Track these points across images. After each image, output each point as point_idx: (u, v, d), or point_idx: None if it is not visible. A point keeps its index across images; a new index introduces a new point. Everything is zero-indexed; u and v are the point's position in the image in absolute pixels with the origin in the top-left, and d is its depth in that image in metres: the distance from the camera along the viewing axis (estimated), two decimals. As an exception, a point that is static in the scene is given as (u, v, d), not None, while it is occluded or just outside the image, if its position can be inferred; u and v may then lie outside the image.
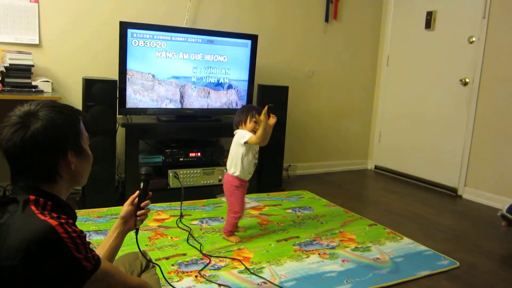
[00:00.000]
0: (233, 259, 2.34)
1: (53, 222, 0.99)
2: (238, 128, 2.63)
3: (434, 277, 2.34)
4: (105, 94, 2.99)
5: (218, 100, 3.52)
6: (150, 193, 1.60)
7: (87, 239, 1.08)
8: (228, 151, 3.75)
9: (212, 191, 3.40)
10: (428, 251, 2.63)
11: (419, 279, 2.29)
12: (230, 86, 3.54)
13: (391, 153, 4.72)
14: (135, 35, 3.11)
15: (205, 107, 3.47)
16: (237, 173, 2.58)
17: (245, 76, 3.58)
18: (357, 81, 4.73)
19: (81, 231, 1.05)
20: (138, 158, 3.18)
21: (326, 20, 4.35)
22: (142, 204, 1.56)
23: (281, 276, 2.17)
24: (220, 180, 3.44)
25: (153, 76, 3.22)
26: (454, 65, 4.05)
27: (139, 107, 3.22)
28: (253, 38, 3.56)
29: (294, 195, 3.62)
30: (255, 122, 2.55)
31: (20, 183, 1.09)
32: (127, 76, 3.13)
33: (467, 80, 3.92)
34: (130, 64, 3.13)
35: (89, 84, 2.94)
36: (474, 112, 3.86)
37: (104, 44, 3.34)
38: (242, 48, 3.54)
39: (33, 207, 1.03)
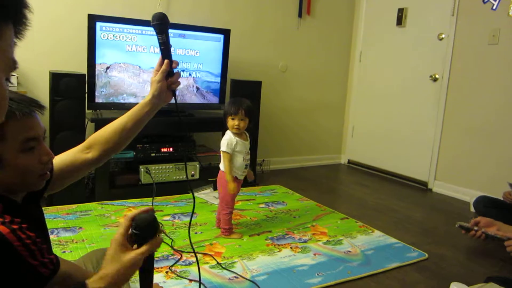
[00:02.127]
0: (205, 254, 2.32)
1: (4, 230, 0.90)
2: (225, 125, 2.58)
3: (403, 268, 2.38)
4: (73, 88, 2.91)
5: (190, 95, 3.49)
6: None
7: (55, 236, 1.03)
8: (200, 146, 3.76)
9: (184, 187, 3.37)
10: (398, 244, 2.67)
11: (389, 270, 2.32)
12: (202, 81, 3.51)
13: (364, 147, 4.78)
14: (104, 28, 3.04)
15: (178, 102, 3.43)
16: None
17: (217, 71, 3.56)
18: (330, 77, 4.76)
19: (36, 236, 0.96)
20: (108, 154, 3.12)
21: (300, 15, 4.36)
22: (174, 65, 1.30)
23: (253, 271, 2.17)
24: (193, 175, 3.41)
25: (124, 70, 3.17)
26: (424, 61, 4.12)
27: (109, 101, 3.16)
28: (226, 33, 3.54)
29: (267, 189, 3.63)
30: (232, 119, 2.51)
31: None
32: (96, 69, 3.06)
33: (437, 76, 4.00)
34: (99, 58, 3.06)
35: (56, 78, 2.86)
36: (443, 107, 3.94)
37: (73, 37, 3.26)
38: (215, 43, 3.51)
39: None
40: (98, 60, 3.05)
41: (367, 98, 4.73)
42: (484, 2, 3.61)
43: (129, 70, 3.19)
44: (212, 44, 3.50)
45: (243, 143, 2.55)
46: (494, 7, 3.55)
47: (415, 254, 2.54)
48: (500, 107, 3.54)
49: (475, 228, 2.12)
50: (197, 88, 3.51)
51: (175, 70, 1.31)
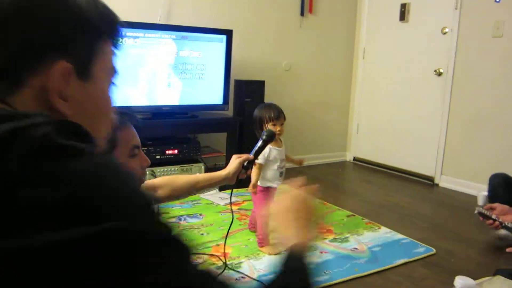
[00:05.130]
0: (211, 255, 2.33)
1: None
2: (258, 133, 2.41)
3: (410, 264, 2.37)
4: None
5: (194, 96, 3.50)
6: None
7: None
8: (205, 147, 3.77)
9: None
10: (405, 240, 2.66)
11: (396, 267, 2.31)
12: (205, 82, 3.52)
13: (369, 144, 4.77)
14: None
15: (181, 103, 3.45)
16: (261, 182, 2.43)
17: (221, 71, 3.56)
18: (334, 74, 4.75)
19: None
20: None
21: (302, 14, 4.35)
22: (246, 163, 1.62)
23: (260, 270, 2.18)
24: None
25: (127, 73, 3.18)
26: (428, 56, 4.10)
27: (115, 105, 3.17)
28: (228, 33, 3.54)
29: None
30: (274, 125, 2.37)
31: None
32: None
33: (441, 70, 3.98)
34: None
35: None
36: (448, 102, 3.92)
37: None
38: (217, 44, 3.52)
39: None
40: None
41: (372, 94, 4.71)
42: (487, -5, 3.59)
43: (132, 74, 3.20)
44: (215, 45, 3.51)
45: (278, 150, 2.41)
46: (497, 0, 3.52)
47: (422, 250, 2.53)
48: (505, 100, 3.51)
49: (493, 217, 2.06)
50: (200, 90, 3.51)
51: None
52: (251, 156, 1.66)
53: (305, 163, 4.57)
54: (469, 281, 0.86)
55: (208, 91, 3.55)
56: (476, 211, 2.22)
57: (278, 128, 2.36)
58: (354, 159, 4.94)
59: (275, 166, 2.39)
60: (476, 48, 3.70)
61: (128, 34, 3.13)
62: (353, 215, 3.06)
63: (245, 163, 1.62)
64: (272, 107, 2.44)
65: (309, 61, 4.51)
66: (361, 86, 4.83)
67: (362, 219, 3.00)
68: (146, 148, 3.26)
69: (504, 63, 3.52)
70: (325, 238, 2.62)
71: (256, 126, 2.45)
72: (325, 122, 4.77)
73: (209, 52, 3.49)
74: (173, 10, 3.66)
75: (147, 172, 3.22)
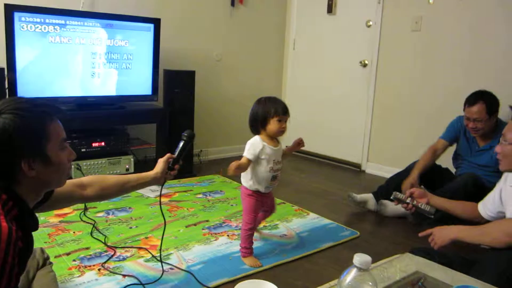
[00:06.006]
0: (140, 248, 2.29)
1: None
2: (255, 129, 2.17)
3: (336, 247, 2.47)
4: (-8, 83, 2.75)
5: (121, 87, 3.39)
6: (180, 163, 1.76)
7: None
8: (135, 139, 3.67)
9: (120, 181, 3.28)
10: (332, 224, 2.77)
11: (322, 250, 2.40)
12: (133, 72, 3.42)
13: (300, 133, 4.81)
14: (23, 18, 2.87)
15: (108, 94, 3.33)
16: (249, 184, 2.18)
17: (149, 61, 3.47)
18: (266, 65, 4.80)
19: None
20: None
21: (232, 4, 4.34)
22: (176, 166, 1.73)
23: (189, 261, 2.17)
24: (127, 169, 3.34)
25: (48, 62, 3.01)
26: (354, 47, 4.25)
27: (34, 96, 3.00)
28: (156, 22, 3.45)
29: (205, 180, 3.62)
30: (279, 121, 2.10)
31: None
32: (17, 63, 2.89)
33: (366, 62, 4.15)
34: (20, 51, 2.89)
35: (-28, 73, 2.68)
36: (373, 92, 4.11)
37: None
38: (145, 32, 3.42)
39: None
40: (18, 54, 2.88)
41: (302, 85, 4.82)
42: (407, -10, 3.78)
43: (53, 63, 3.04)
44: (142, 34, 3.41)
45: (273, 149, 2.15)
46: (415, -5, 3.72)
47: (347, 233, 2.65)
48: (420, 90, 3.74)
49: (408, 200, 2.17)
50: (127, 80, 3.41)
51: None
52: (174, 155, 1.73)
53: (238, 153, 4.61)
54: (365, 257, 0.91)
55: (136, 81, 3.45)
56: (392, 196, 2.34)
57: (284, 125, 2.12)
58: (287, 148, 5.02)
59: (267, 167, 2.13)
60: (397, 41, 3.90)
61: (48, 21, 2.96)
62: (284, 203, 3.13)
63: (169, 163, 1.71)
64: (278, 101, 2.16)
65: (240, 52, 4.52)
66: (291, 76, 4.92)
67: (292, 206, 3.08)
68: (70, 141, 3.12)
69: (421, 55, 3.74)
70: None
71: (256, 123, 2.16)
72: (257, 113, 4.80)
73: (136, 41, 3.38)
74: (97, -3, 3.51)
75: (72, 167, 3.08)
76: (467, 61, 3.46)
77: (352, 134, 4.32)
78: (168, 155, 1.73)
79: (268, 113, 2.12)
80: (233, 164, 2.02)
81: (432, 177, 2.93)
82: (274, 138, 2.19)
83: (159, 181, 1.70)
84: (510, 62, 3.24)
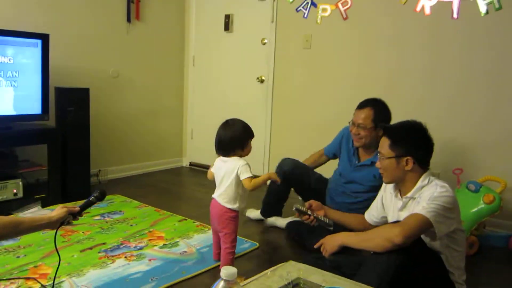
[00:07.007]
0: (28, 278, 2.15)
1: None
2: (233, 150, 2.37)
3: (236, 260, 2.51)
4: None
5: (7, 106, 3.17)
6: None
7: None
8: (24, 161, 3.44)
9: (6, 207, 3.05)
10: (232, 238, 2.83)
11: (222, 264, 2.45)
12: (19, 90, 3.21)
13: (203, 149, 4.91)
14: None
15: (-9, 114, 3.09)
16: (237, 205, 2.31)
17: (37, 78, 3.29)
18: (166, 81, 4.79)
19: None
20: None
21: (128, 20, 4.28)
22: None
23: (82, 287, 2.08)
24: (15, 194, 3.11)
25: None
26: (251, 64, 4.42)
27: None
28: (44, 38, 3.29)
29: (104, 200, 3.48)
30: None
31: None
32: None
33: (263, 78, 4.33)
34: None
35: None
36: (271, 107, 4.29)
37: None
38: (32, 48, 3.25)
39: None
40: None
41: (204, 100, 4.88)
42: (297, 11, 4.03)
43: None
44: (29, 50, 3.23)
45: None
46: (305, 16, 3.98)
47: (247, 245, 2.73)
48: (315, 103, 3.99)
49: (309, 212, 2.28)
50: (14, 98, 3.20)
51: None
52: (77, 208, 1.75)
53: (141, 171, 4.54)
54: (230, 269, 0.97)
55: (24, 100, 3.24)
56: (294, 208, 2.42)
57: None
58: (191, 164, 5.04)
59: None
60: (291, 58, 4.13)
61: None
62: (185, 219, 3.13)
63: (66, 220, 1.71)
64: (246, 130, 2.49)
65: (139, 68, 4.46)
66: (193, 92, 4.96)
67: (194, 222, 3.09)
68: None
69: (313, 71, 4.00)
70: (155, 245, 2.63)
71: (239, 142, 2.41)
72: (159, 129, 4.77)
73: (22, 57, 3.19)
74: (-24, 10, 3.26)
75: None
76: (355, 74, 3.75)
77: (253, 146, 4.43)
78: (71, 207, 1.74)
79: (251, 135, 2.41)
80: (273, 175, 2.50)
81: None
82: None
83: (53, 227, 1.68)
84: (395, 74, 3.55)
